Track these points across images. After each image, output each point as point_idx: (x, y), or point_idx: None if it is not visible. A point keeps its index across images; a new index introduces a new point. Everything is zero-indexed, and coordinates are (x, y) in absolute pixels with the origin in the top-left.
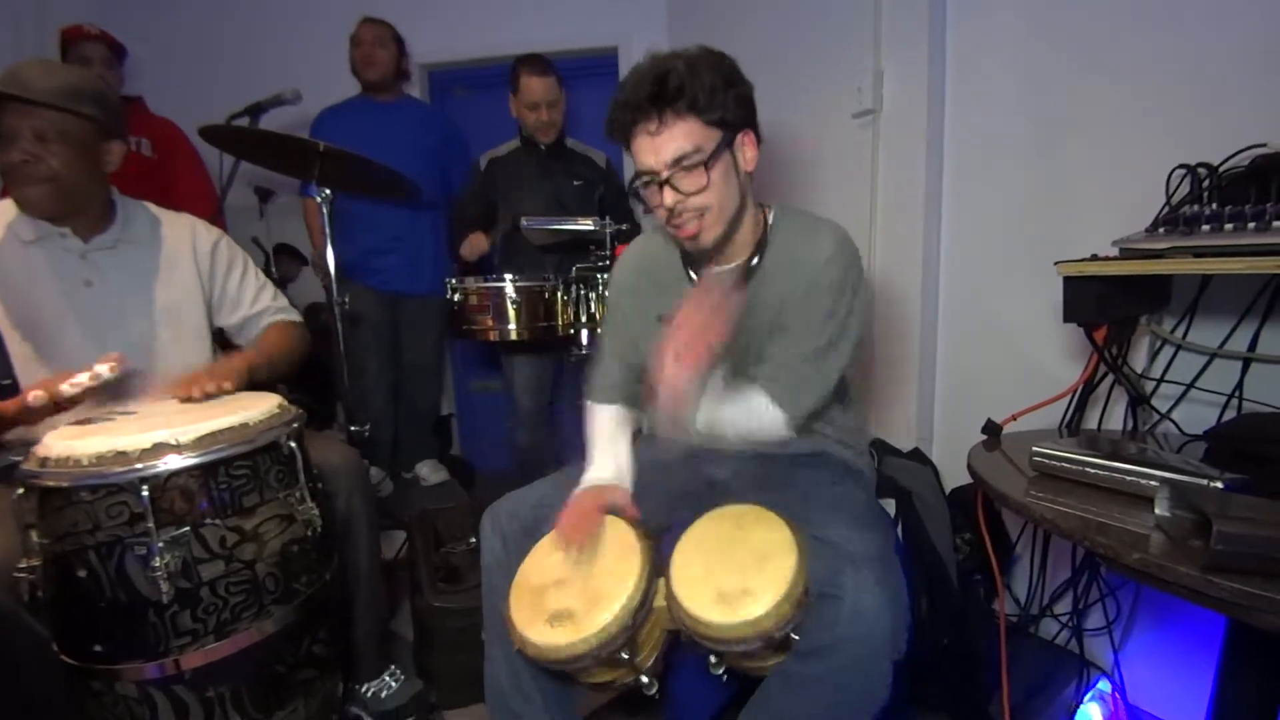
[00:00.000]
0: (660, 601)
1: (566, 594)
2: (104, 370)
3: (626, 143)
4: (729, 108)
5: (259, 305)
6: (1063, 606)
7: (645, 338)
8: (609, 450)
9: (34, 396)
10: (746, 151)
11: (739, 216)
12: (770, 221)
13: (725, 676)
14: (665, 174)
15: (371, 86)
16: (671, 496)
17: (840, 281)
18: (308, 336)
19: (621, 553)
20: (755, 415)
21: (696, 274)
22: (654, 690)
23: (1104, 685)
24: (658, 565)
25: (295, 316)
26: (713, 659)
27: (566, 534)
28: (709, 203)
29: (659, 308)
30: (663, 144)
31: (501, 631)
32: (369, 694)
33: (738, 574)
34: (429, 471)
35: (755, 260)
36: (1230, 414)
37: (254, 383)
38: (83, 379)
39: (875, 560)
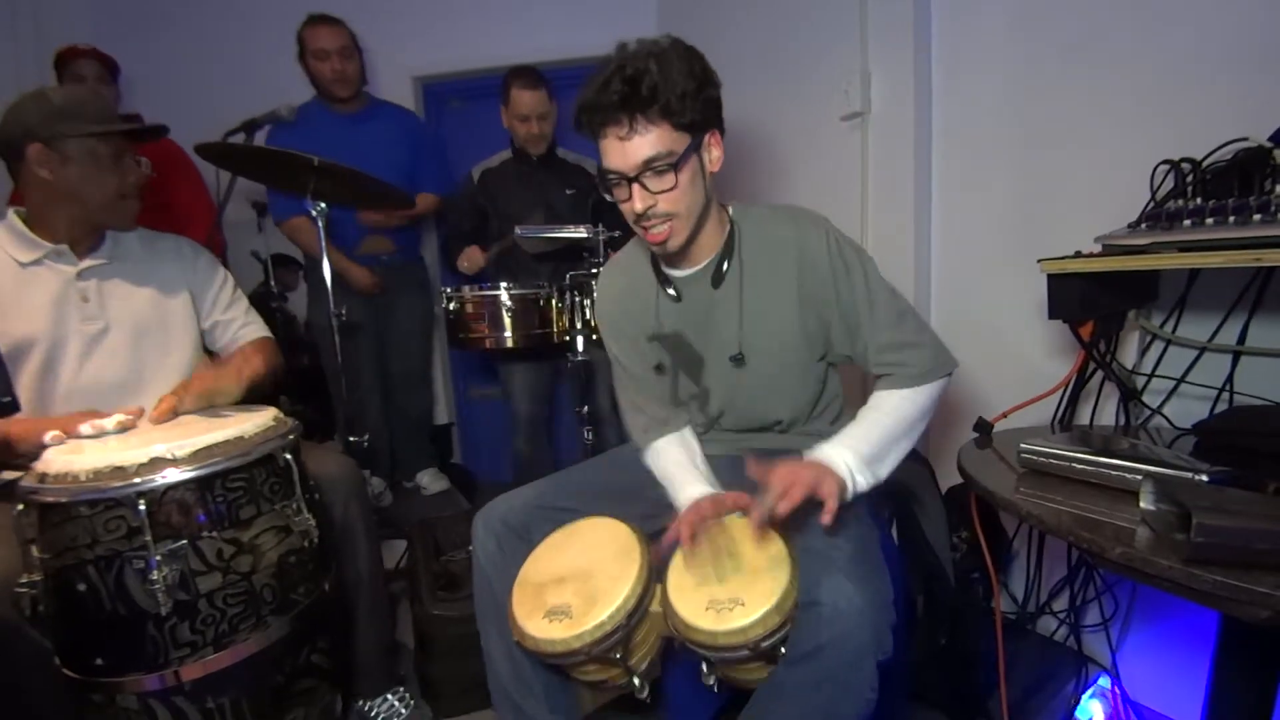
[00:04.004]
0: (656, 607)
1: (566, 591)
2: (115, 420)
3: (594, 139)
4: (699, 110)
5: (230, 314)
6: (1060, 603)
7: (646, 357)
8: (692, 472)
9: (52, 436)
10: (713, 152)
11: (704, 217)
12: (733, 218)
13: (716, 688)
14: (633, 174)
15: (340, 101)
16: (664, 503)
17: (837, 251)
18: (278, 354)
19: (621, 556)
20: (904, 406)
21: (668, 283)
22: (645, 694)
23: (1104, 682)
24: (656, 571)
25: (265, 332)
26: (704, 668)
27: (690, 535)
28: (677, 209)
29: (645, 329)
30: (633, 149)
31: (500, 627)
32: (375, 714)
33: (731, 585)
34: (430, 480)
35: (725, 260)
36: (1222, 407)
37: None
38: (104, 423)
39: (851, 562)
